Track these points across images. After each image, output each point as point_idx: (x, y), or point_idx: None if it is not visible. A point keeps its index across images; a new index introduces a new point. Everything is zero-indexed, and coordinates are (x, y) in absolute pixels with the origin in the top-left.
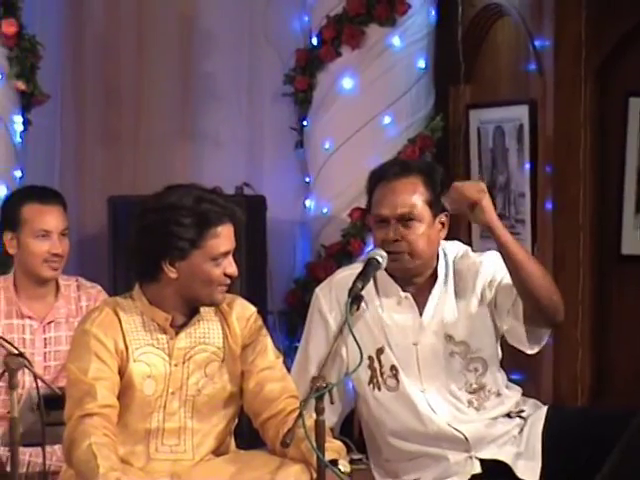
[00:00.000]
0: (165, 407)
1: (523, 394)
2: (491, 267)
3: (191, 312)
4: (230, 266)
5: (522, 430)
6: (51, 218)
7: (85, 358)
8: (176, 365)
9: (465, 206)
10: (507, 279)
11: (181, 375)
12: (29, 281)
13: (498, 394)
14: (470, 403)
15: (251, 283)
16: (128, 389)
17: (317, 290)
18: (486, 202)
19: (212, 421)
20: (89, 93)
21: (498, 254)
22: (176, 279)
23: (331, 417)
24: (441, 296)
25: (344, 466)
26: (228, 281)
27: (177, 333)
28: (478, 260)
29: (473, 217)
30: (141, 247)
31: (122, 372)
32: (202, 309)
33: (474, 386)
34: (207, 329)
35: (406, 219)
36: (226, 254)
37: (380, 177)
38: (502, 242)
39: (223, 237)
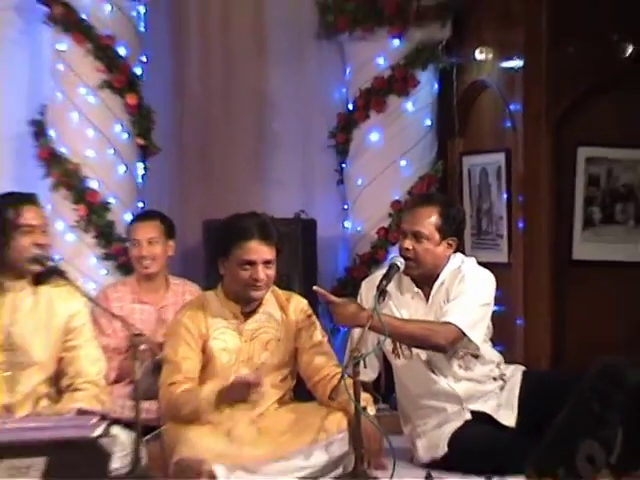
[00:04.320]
0: (238, 372)
1: (505, 360)
2: (460, 286)
3: (257, 303)
4: (256, 273)
5: (503, 388)
6: (141, 231)
7: (176, 342)
8: (245, 342)
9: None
10: (454, 302)
11: (248, 349)
12: (141, 278)
13: (477, 357)
14: (459, 366)
15: (306, 282)
16: (210, 360)
17: (363, 283)
18: (366, 323)
19: (273, 382)
20: (189, 146)
21: (480, 282)
22: (225, 275)
23: (371, 374)
24: (437, 293)
25: (371, 410)
26: (257, 283)
27: (246, 319)
28: (462, 275)
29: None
30: (211, 250)
31: (204, 348)
32: (265, 301)
33: (460, 354)
34: (269, 316)
35: (418, 236)
36: (251, 263)
37: (410, 203)
38: (389, 334)
39: (248, 249)
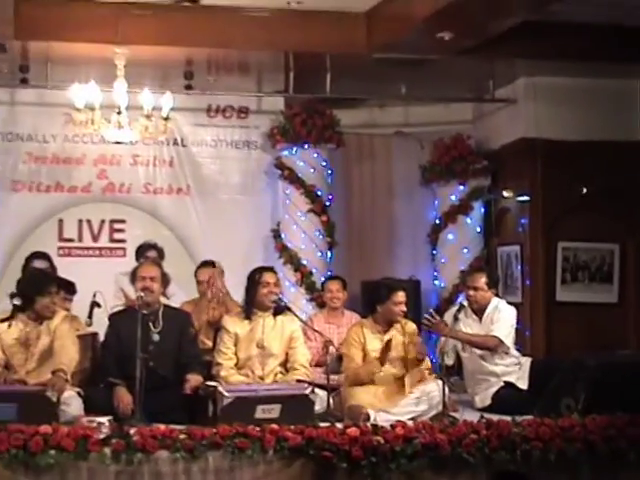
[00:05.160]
0: (383, 363)
1: (523, 355)
2: (499, 315)
3: (389, 325)
4: (401, 308)
5: (520, 369)
6: (333, 286)
7: (350, 345)
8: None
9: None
10: (496, 324)
11: (387, 351)
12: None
13: (507, 353)
14: (497, 357)
15: (415, 315)
16: (367, 355)
17: (445, 313)
18: (448, 334)
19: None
20: (353, 241)
21: (509, 312)
22: (379, 311)
23: (451, 361)
24: (486, 318)
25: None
26: (402, 314)
27: (385, 333)
28: (499, 309)
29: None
30: (370, 296)
31: (363, 348)
32: (395, 325)
33: (499, 351)
34: (395, 333)
35: (476, 288)
36: (400, 303)
37: (470, 271)
38: (461, 340)
39: (398, 296)
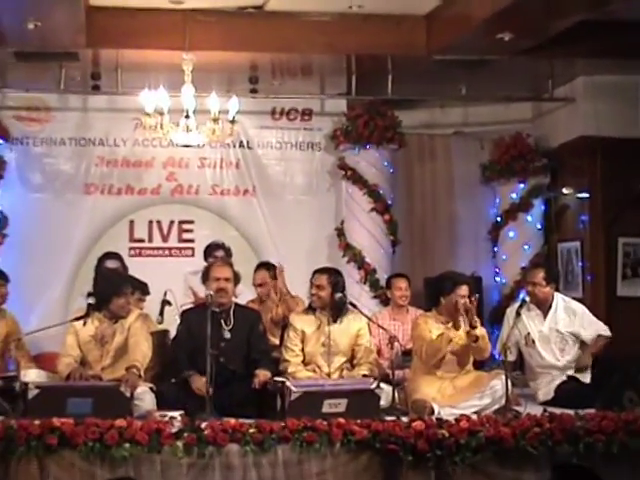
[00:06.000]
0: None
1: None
2: (583, 317)
3: (452, 318)
4: (464, 300)
5: None
6: (399, 283)
7: (419, 330)
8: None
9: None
10: (592, 328)
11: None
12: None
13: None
14: (559, 351)
15: (477, 311)
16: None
17: (507, 309)
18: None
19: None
20: (415, 238)
21: (584, 308)
22: (443, 303)
23: (512, 357)
24: (552, 315)
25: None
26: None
27: (449, 322)
28: (574, 308)
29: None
30: (433, 290)
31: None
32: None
33: (560, 345)
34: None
35: (535, 284)
36: (463, 296)
37: (530, 267)
38: (592, 355)
39: (462, 289)
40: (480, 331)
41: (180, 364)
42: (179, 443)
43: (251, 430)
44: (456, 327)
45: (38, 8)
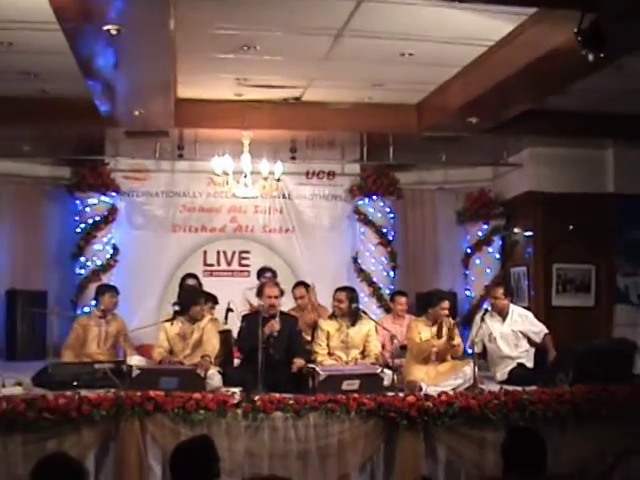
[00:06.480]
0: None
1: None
2: (531, 321)
3: (435, 322)
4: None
5: (528, 354)
6: (400, 299)
7: (412, 332)
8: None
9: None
10: (537, 327)
11: (440, 329)
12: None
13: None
14: (513, 346)
15: (452, 317)
16: (420, 340)
17: (476, 316)
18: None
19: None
20: (409, 261)
21: (531, 315)
22: (430, 313)
23: (479, 349)
24: (509, 319)
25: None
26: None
27: (432, 326)
28: (525, 314)
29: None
30: (422, 303)
31: (419, 338)
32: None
33: (514, 342)
34: (442, 323)
35: (497, 297)
36: (444, 309)
37: (492, 285)
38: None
39: (443, 304)
40: (457, 340)
41: (244, 350)
42: (239, 411)
43: (290, 402)
44: (439, 336)
45: (142, 101)
